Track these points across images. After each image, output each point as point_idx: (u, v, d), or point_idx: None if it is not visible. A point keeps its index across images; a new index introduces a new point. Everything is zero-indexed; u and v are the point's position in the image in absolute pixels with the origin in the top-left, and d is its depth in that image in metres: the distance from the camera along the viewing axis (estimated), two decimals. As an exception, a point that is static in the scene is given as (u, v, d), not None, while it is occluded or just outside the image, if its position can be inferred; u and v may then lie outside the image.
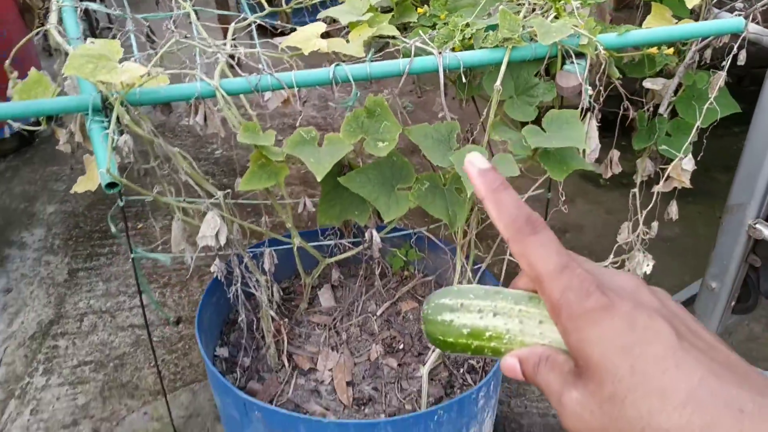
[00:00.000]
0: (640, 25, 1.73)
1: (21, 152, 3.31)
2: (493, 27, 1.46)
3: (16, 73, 1.63)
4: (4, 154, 3.25)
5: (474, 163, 0.45)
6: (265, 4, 1.88)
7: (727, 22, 1.51)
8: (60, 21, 1.61)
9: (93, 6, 1.64)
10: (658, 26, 1.68)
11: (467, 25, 1.48)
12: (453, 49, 1.47)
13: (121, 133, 1.32)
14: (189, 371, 2.25)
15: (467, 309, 0.46)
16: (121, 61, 1.32)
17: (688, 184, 1.82)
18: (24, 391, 2.20)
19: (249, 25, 1.75)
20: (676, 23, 1.71)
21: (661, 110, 1.71)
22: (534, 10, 1.49)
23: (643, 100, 1.77)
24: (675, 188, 1.84)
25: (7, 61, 1.62)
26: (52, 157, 3.27)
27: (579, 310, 0.39)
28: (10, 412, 2.13)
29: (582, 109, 1.45)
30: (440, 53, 1.41)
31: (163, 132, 3.31)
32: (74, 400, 2.17)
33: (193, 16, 1.67)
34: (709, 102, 1.61)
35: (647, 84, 1.78)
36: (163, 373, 2.22)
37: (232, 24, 1.63)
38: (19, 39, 3.31)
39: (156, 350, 2.29)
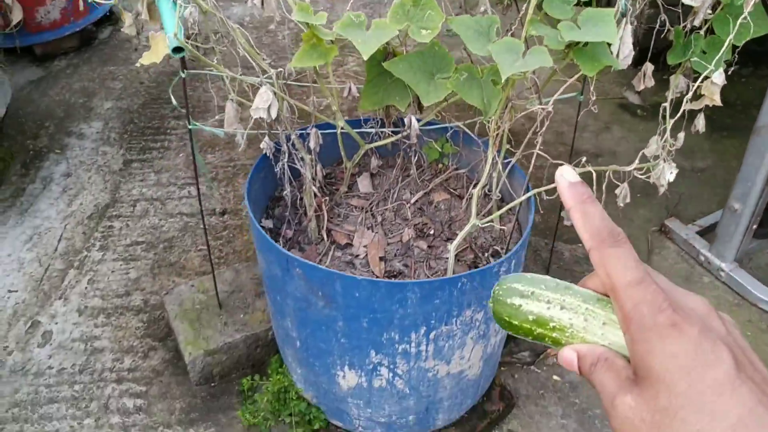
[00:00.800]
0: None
1: (81, 51, 3.47)
2: (539, -73, 1.53)
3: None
4: (65, 52, 3.41)
5: (564, 175, 0.48)
6: None
7: (767, -67, 1.55)
8: None
9: None
10: (701, -61, 1.72)
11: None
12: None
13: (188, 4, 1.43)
14: (232, 256, 2.43)
15: (537, 298, 0.49)
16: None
17: (718, 102, 1.88)
18: (82, 263, 2.40)
19: None
20: (721, -62, 1.75)
21: (696, 22, 1.77)
22: None
23: (679, 10, 1.83)
24: (706, 107, 1.91)
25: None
26: (110, 58, 3.43)
27: (650, 324, 0.41)
28: (69, 280, 2.33)
29: (618, 12, 1.52)
30: (486, -52, 1.49)
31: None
32: (127, 274, 2.36)
33: None
34: (742, 17, 1.67)
35: (686, 0, 1.83)
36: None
37: None
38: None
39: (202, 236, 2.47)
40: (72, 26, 3.37)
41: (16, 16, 3.18)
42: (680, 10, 1.84)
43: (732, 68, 1.91)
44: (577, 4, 2.31)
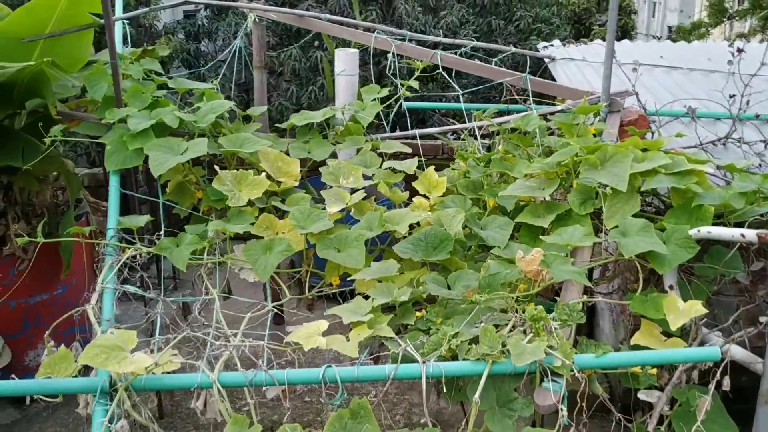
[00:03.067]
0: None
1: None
2: (479, 339, 1.57)
3: (53, 343, 1.82)
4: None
5: None
6: (287, 292, 2.07)
7: (703, 350, 1.58)
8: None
9: (131, 289, 1.86)
10: (645, 343, 1.76)
11: (455, 335, 1.60)
12: (441, 355, 1.58)
13: (120, 417, 1.43)
14: None
15: None
16: (140, 344, 1.49)
17: None
18: None
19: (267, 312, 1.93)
20: (665, 340, 1.79)
21: (650, 427, 1.73)
22: (515, 327, 1.60)
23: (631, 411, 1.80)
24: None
25: (46, 333, 1.82)
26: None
27: None
28: None
29: (560, 427, 1.49)
30: (424, 362, 1.52)
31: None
32: None
33: (217, 304, 1.86)
34: (696, 425, 1.63)
35: (642, 396, 1.81)
36: None
37: (248, 314, 1.81)
38: (84, 288, 3.60)
39: None
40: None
41: (4, 359, 3.25)
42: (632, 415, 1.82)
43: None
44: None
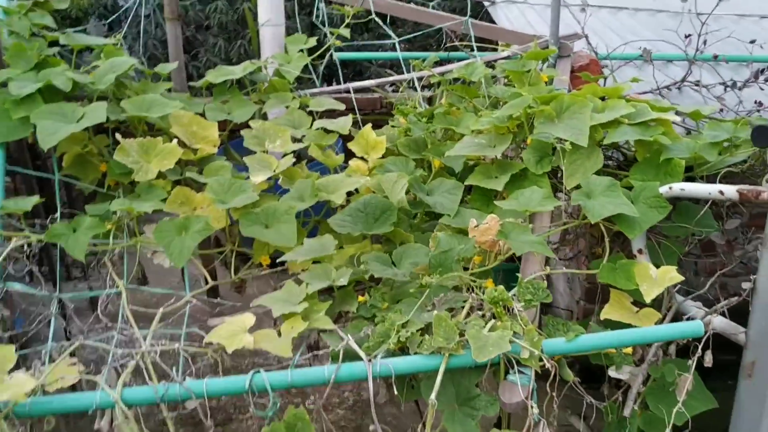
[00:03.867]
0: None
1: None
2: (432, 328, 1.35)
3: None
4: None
5: None
6: (209, 278, 1.81)
7: (685, 326, 1.40)
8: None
9: (17, 287, 1.56)
10: (616, 316, 1.58)
11: (404, 325, 1.37)
12: (389, 348, 1.35)
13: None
14: None
15: None
16: (30, 355, 1.21)
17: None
18: None
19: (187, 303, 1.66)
20: (637, 311, 1.61)
21: (626, 411, 1.55)
22: (473, 309, 1.39)
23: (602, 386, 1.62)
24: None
25: None
26: None
27: None
28: None
29: (530, 425, 1.29)
30: (370, 360, 1.29)
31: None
32: None
33: (124, 298, 1.58)
34: (677, 406, 1.46)
35: (612, 373, 1.64)
36: None
37: (160, 309, 1.54)
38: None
39: None
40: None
41: None
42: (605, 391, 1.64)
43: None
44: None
